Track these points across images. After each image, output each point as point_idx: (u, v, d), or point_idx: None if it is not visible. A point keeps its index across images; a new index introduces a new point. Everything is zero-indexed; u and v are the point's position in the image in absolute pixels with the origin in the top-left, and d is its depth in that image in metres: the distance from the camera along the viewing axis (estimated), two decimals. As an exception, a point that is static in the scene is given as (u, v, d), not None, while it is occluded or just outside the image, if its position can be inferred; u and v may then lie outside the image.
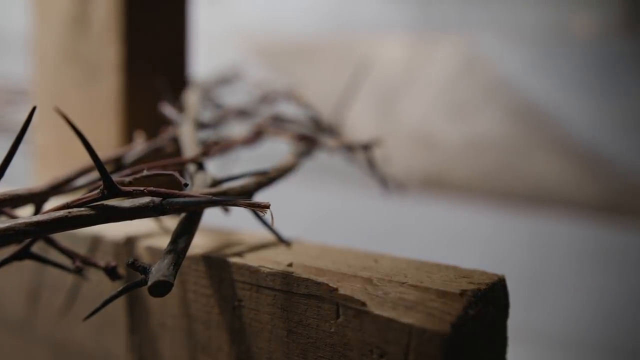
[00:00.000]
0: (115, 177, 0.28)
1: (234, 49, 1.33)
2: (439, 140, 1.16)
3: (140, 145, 0.41)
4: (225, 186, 0.33)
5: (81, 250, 0.37)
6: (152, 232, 0.37)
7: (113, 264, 0.32)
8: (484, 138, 1.12)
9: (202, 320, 0.33)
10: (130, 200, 0.26)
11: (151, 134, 0.46)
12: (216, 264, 0.32)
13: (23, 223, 0.24)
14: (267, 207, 0.26)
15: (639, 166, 1.01)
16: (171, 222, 0.39)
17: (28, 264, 0.41)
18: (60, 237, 0.33)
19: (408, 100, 1.18)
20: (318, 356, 0.28)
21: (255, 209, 0.26)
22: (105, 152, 0.48)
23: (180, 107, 0.50)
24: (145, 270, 0.26)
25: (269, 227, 0.34)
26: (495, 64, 1.12)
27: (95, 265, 0.31)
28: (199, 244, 0.34)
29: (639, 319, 0.99)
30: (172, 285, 0.26)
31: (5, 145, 0.26)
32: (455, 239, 1.15)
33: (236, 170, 0.39)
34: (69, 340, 0.41)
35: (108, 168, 0.26)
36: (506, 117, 1.10)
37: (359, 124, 1.17)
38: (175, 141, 0.42)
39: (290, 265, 0.30)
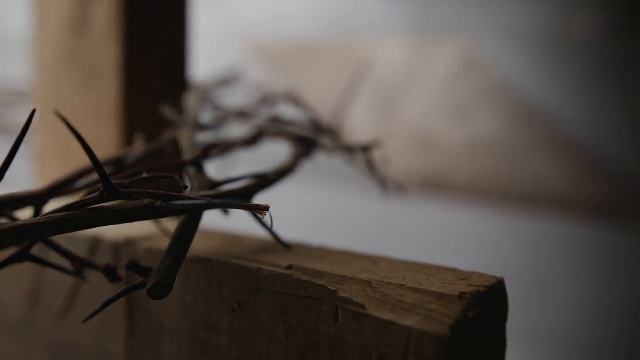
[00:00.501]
0: (115, 180, 0.28)
1: (234, 50, 1.33)
2: (439, 141, 1.16)
3: (140, 147, 0.41)
4: (225, 188, 0.33)
5: (81, 252, 0.37)
6: (152, 234, 0.37)
7: (112, 265, 0.32)
8: (484, 139, 1.12)
9: (201, 322, 0.33)
10: (130, 202, 0.26)
11: (151, 135, 0.46)
12: (215, 266, 0.32)
13: (23, 225, 0.24)
14: (267, 209, 0.26)
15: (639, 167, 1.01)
16: (171, 224, 0.39)
17: (28, 265, 0.41)
18: (59, 238, 0.33)
19: (407, 101, 1.18)
20: (317, 358, 0.29)
21: (254, 211, 0.26)
22: (105, 154, 0.48)
23: (180, 109, 0.50)
24: (145, 272, 0.26)
25: (269, 230, 0.34)
26: (495, 66, 1.12)
27: (94, 267, 0.31)
28: (199, 246, 0.34)
29: (639, 320, 0.99)
30: (171, 287, 0.26)
31: (5, 146, 0.26)
32: (454, 241, 1.15)
33: (235, 172, 0.39)
34: (69, 342, 0.41)
35: (107, 170, 0.26)
36: (506, 118, 1.11)
37: (358, 125, 1.17)
38: (175, 143, 0.42)
39: (289, 267, 0.30)
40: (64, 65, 0.55)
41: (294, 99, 0.57)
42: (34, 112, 0.25)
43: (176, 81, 0.56)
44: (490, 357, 0.28)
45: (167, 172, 0.30)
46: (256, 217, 0.32)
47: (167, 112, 0.46)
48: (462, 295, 0.27)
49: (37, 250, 0.33)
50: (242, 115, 0.52)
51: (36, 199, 0.32)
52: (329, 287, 0.28)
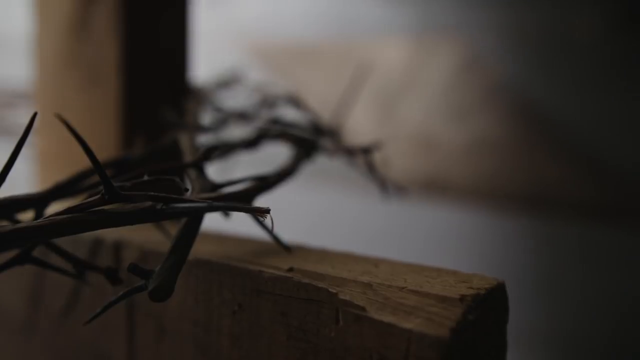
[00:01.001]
0: (116, 182, 0.28)
1: (234, 51, 1.33)
2: (439, 142, 1.16)
3: (140, 149, 0.41)
4: (226, 191, 0.33)
5: (81, 253, 0.37)
6: (153, 237, 0.37)
7: (113, 268, 0.32)
8: (484, 140, 1.12)
9: (202, 325, 0.33)
10: (132, 205, 0.26)
11: (152, 137, 0.46)
12: (216, 268, 0.32)
13: (24, 228, 0.24)
14: (267, 212, 0.26)
15: None
16: (172, 226, 0.39)
17: (29, 267, 0.41)
18: (60, 240, 0.33)
19: (408, 102, 1.18)
20: (318, 361, 0.29)
21: (255, 214, 0.26)
22: (105, 155, 0.48)
23: (180, 110, 0.50)
24: (146, 275, 0.26)
25: (269, 232, 0.34)
26: (495, 67, 1.12)
27: (95, 269, 0.31)
28: (199, 248, 0.34)
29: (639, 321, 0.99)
30: (173, 290, 0.26)
31: (5, 148, 0.26)
32: (454, 242, 1.15)
33: (236, 174, 0.39)
34: (70, 344, 0.41)
35: (108, 172, 0.26)
36: (506, 119, 1.11)
37: (358, 127, 1.17)
38: (176, 145, 0.42)
39: (290, 270, 0.30)
40: (64, 67, 0.55)
41: (294, 101, 0.57)
42: (35, 115, 0.25)
43: (176, 83, 0.56)
44: (491, 359, 0.28)
45: (168, 174, 0.30)
46: (257, 219, 0.33)
47: (168, 113, 0.46)
48: (462, 298, 0.27)
49: (38, 252, 0.33)
50: (243, 117, 0.53)
51: (37, 202, 0.32)
52: (330, 289, 0.28)
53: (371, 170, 0.48)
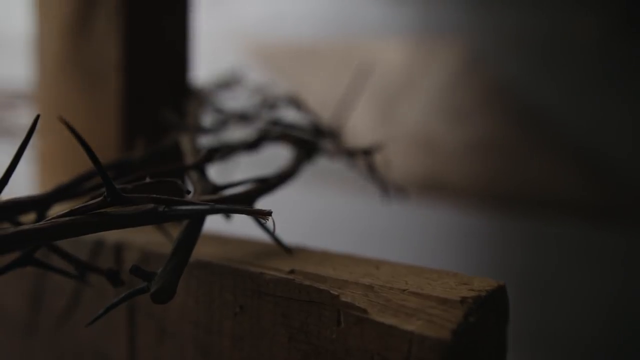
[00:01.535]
0: (118, 184, 0.28)
1: (235, 52, 1.33)
2: (439, 143, 1.16)
3: (141, 150, 0.41)
4: (227, 193, 0.33)
5: (83, 255, 0.37)
6: (154, 238, 0.37)
7: (115, 269, 0.32)
8: (484, 142, 1.12)
9: (203, 326, 0.33)
10: (134, 207, 0.26)
11: (153, 139, 0.46)
12: (218, 270, 0.32)
13: (26, 230, 0.24)
14: (269, 214, 0.26)
15: None
16: (173, 228, 0.39)
17: (30, 268, 0.41)
18: (61, 241, 0.33)
19: (408, 103, 1.18)
20: (319, 362, 0.29)
21: (257, 216, 0.26)
22: (106, 156, 0.48)
23: (181, 112, 0.51)
24: (148, 277, 0.26)
25: (271, 234, 0.34)
26: (495, 68, 1.12)
27: (97, 271, 0.31)
28: (201, 250, 0.34)
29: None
30: (174, 292, 0.26)
31: (5, 149, 0.26)
32: (455, 243, 1.16)
33: (236, 175, 0.39)
34: (71, 345, 0.41)
35: (109, 174, 0.26)
36: (506, 120, 1.11)
37: (358, 128, 1.17)
38: (177, 146, 0.42)
39: (291, 271, 0.30)
40: (65, 68, 0.55)
41: (294, 102, 0.57)
42: (37, 118, 0.25)
43: (177, 83, 0.56)
44: (492, 361, 0.28)
45: (170, 176, 0.30)
46: (258, 221, 0.33)
47: (169, 115, 0.46)
48: (463, 300, 0.27)
49: (39, 253, 0.33)
50: (243, 118, 0.53)
51: (39, 204, 0.32)
52: (331, 291, 0.28)
53: (372, 171, 0.48)
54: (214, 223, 0.37)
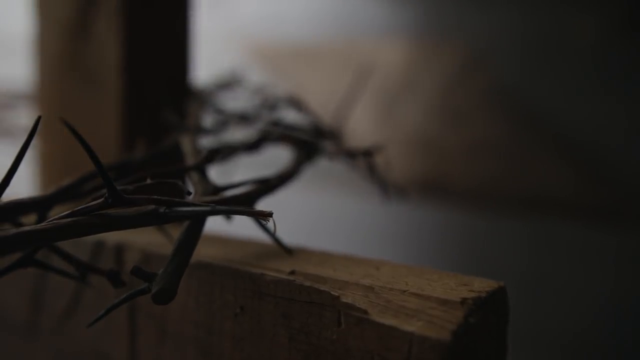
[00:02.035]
0: (119, 185, 0.28)
1: (235, 52, 1.33)
2: (439, 144, 1.16)
3: (142, 151, 0.41)
4: (227, 194, 0.33)
5: (84, 256, 0.37)
6: (155, 239, 0.38)
7: (116, 270, 0.32)
8: (485, 142, 1.12)
9: (204, 327, 0.33)
10: (135, 208, 0.26)
11: (153, 140, 0.46)
12: (218, 271, 0.32)
13: (28, 231, 0.24)
14: (270, 215, 0.26)
15: (640, 170, 1.01)
16: (174, 229, 0.39)
17: (31, 269, 0.41)
18: (62, 242, 0.33)
19: (408, 104, 1.18)
20: (320, 363, 0.29)
21: (258, 217, 0.26)
22: (107, 157, 0.48)
23: (181, 113, 0.51)
24: (148, 278, 0.26)
25: (271, 235, 0.34)
26: (496, 69, 1.12)
27: (98, 272, 0.32)
28: (201, 251, 0.34)
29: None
30: (175, 293, 0.26)
31: (5, 150, 0.26)
32: (455, 244, 1.16)
33: (237, 176, 0.39)
34: (71, 346, 0.41)
35: (110, 175, 0.26)
36: (507, 121, 1.11)
37: (358, 128, 1.17)
38: (178, 147, 0.42)
39: (292, 272, 0.30)
40: (65, 68, 0.55)
41: (295, 103, 0.57)
42: (38, 119, 0.25)
43: (177, 84, 0.56)
44: (492, 362, 0.28)
45: (171, 177, 0.30)
46: (259, 222, 0.33)
47: (169, 116, 0.47)
48: (463, 301, 0.27)
49: (40, 254, 0.33)
50: (244, 119, 0.53)
51: (40, 205, 0.32)
52: (332, 292, 0.29)
53: (372, 172, 0.48)
54: (214, 224, 0.37)
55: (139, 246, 0.37)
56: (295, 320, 0.30)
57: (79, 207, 0.26)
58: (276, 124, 0.49)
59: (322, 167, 0.51)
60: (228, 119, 0.52)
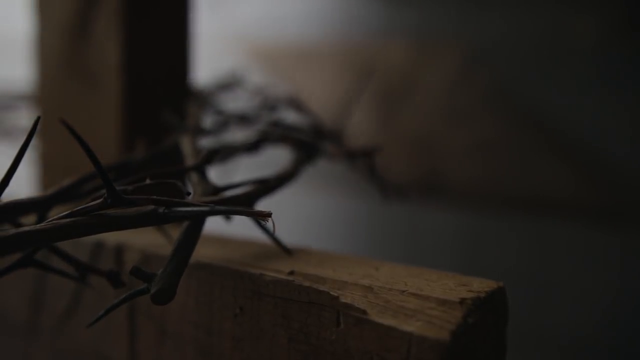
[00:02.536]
0: (118, 186, 0.28)
1: (235, 53, 1.33)
2: (440, 145, 1.16)
3: (142, 152, 0.41)
4: (227, 194, 0.33)
5: (83, 256, 0.37)
6: (155, 240, 0.38)
7: (115, 271, 0.32)
8: (485, 143, 1.12)
9: (203, 327, 0.33)
10: (134, 208, 0.26)
11: (153, 140, 0.46)
12: (218, 272, 0.32)
13: (27, 232, 0.24)
14: (269, 215, 0.26)
15: (640, 171, 1.01)
16: (173, 229, 0.39)
17: (30, 269, 0.41)
18: (62, 243, 0.33)
19: (408, 105, 1.18)
20: (319, 363, 0.29)
21: (257, 217, 0.26)
22: (106, 158, 0.48)
23: (181, 113, 0.51)
24: (148, 278, 0.26)
25: (271, 236, 0.34)
26: (496, 68, 1.12)
27: (97, 272, 0.32)
28: (201, 251, 0.34)
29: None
30: (175, 293, 0.26)
31: (5, 150, 0.26)
32: (455, 244, 1.16)
33: (237, 177, 0.39)
34: (71, 346, 0.41)
35: (110, 176, 0.26)
36: (507, 122, 1.11)
37: (358, 129, 1.17)
38: (177, 148, 0.42)
39: (291, 273, 0.30)
40: (65, 69, 0.55)
41: (295, 103, 0.57)
42: (38, 120, 0.25)
43: (177, 85, 0.56)
44: (491, 362, 0.28)
45: (170, 177, 0.30)
46: (259, 223, 0.33)
47: (169, 116, 0.47)
48: (462, 301, 0.27)
49: (39, 254, 0.33)
50: (244, 119, 0.53)
51: (40, 205, 0.32)
52: (331, 292, 0.29)
53: (372, 173, 0.48)
54: (214, 224, 0.37)
55: (139, 247, 0.37)
56: (294, 320, 0.30)
57: (79, 208, 0.26)
58: (276, 124, 0.49)
59: (322, 167, 0.51)
60: (228, 120, 0.52)
